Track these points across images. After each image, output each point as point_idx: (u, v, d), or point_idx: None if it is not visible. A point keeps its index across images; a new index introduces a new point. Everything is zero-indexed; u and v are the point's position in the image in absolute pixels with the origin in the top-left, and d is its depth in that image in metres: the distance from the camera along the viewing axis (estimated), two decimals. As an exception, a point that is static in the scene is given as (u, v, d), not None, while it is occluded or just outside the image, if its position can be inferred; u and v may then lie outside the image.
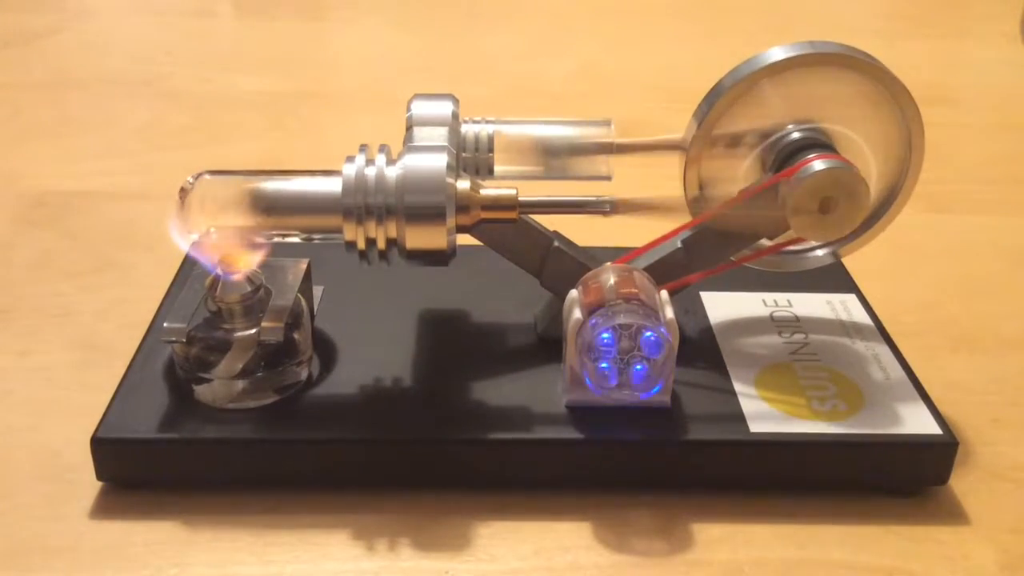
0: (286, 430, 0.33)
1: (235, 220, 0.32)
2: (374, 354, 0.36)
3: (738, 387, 0.35)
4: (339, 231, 0.32)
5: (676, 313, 0.33)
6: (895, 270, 0.47)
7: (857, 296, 0.41)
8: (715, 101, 0.35)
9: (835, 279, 0.41)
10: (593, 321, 0.32)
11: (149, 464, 0.33)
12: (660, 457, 0.33)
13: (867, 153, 0.35)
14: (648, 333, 0.32)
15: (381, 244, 0.32)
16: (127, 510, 0.32)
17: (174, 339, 0.33)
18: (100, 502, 0.33)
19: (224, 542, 0.31)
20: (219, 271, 0.33)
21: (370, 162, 0.32)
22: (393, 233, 0.32)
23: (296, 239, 0.33)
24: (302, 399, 0.34)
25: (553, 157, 0.37)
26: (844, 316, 0.40)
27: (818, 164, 0.33)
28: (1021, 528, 0.33)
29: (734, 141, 0.35)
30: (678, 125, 0.36)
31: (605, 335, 0.32)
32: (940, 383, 0.36)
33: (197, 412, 0.33)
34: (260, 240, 0.33)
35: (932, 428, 0.33)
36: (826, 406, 0.34)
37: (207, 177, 0.32)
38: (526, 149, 0.37)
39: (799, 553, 0.32)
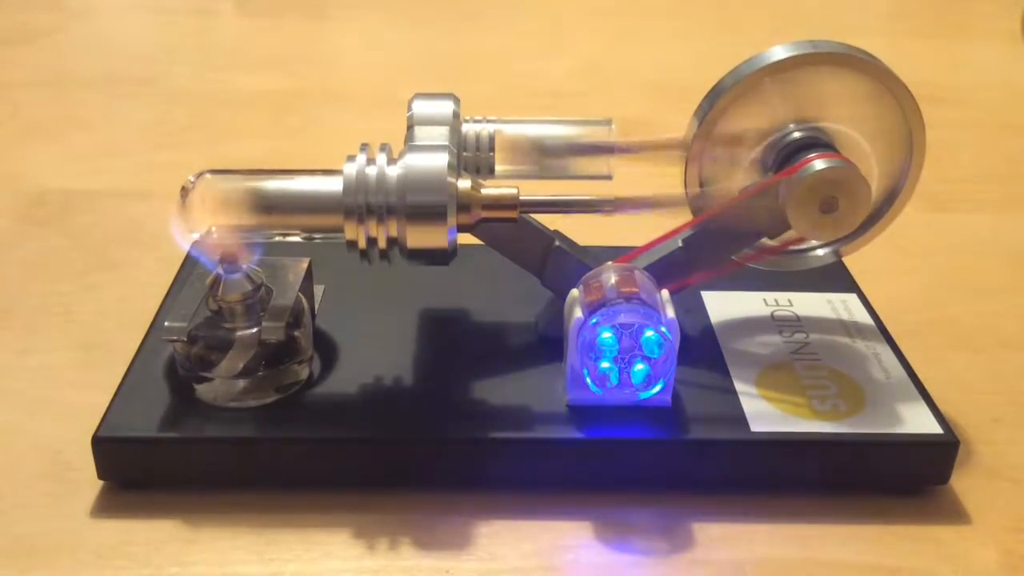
0: (287, 429, 0.33)
1: (236, 219, 0.32)
2: (375, 353, 0.36)
3: (739, 386, 0.35)
4: (340, 230, 0.32)
5: (677, 312, 0.33)
6: (896, 269, 0.47)
7: (858, 295, 0.41)
8: (716, 100, 0.35)
9: (836, 278, 0.41)
10: (594, 320, 0.32)
11: (150, 463, 0.33)
12: (661, 456, 0.33)
13: (868, 152, 0.35)
14: (649, 332, 0.32)
15: (382, 243, 0.32)
16: (128, 509, 0.32)
17: (175, 338, 0.33)
18: (101, 501, 0.33)
19: (225, 541, 0.31)
20: (220, 270, 0.33)
21: (371, 161, 0.32)
22: (394, 232, 0.32)
23: (297, 238, 0.33)
24: (303, 398, 0.34)
25: (553, 156, 0.37)
26: (845, 315, 0.40)
27: (819, 163, 0.33)
28: (1022, 527, 0.33)
29: (735, 140, 0.35)
30: (679, 124, 0.36)
31: (606, 334, 0.32)
32: (941, 382, 0.36)
33: (198, 411, 0.33)
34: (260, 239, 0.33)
35: (933, 427, 0.33)
36: (827, 405, 0.34)
37: (208, 176, 0.32)
38: (527, 148, 0.37)
39: (800, 552, 0.32)
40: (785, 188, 0.34)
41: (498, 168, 0.37)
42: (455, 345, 0.37)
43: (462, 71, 0.73)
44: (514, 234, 0.36)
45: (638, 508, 0.33)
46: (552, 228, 0.37)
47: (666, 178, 0.37)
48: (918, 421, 0.34)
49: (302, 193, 0.32)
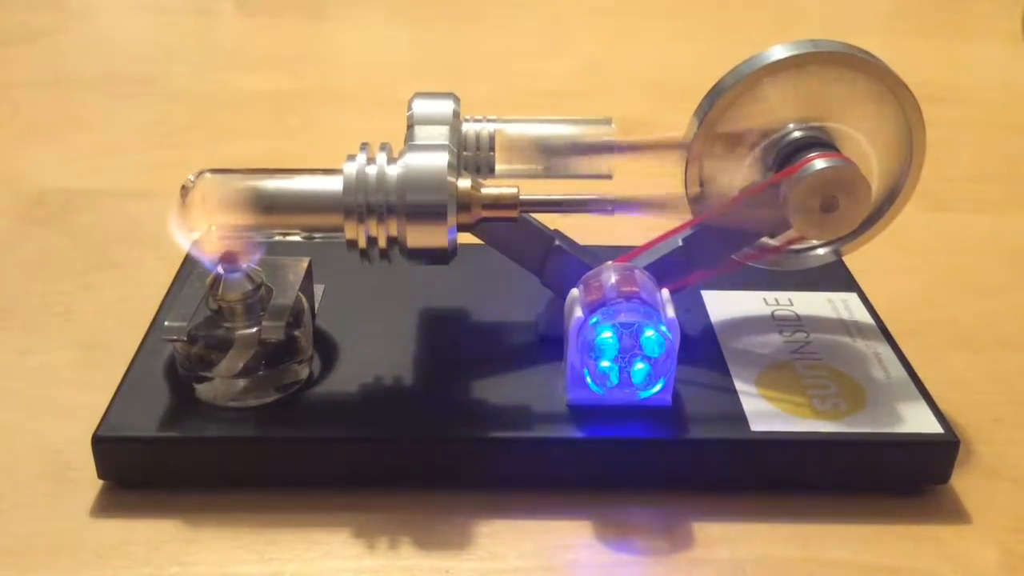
0: (287, 428, 0.33)
1: (236, 218, 0.32)
2: (375, 353, 0.36)
3: (739, 386, 0.35)
4: (340, 230, 0.32)
5: (677, 312, 0.33)
6: (896, 269, 0.47)
7: (858, 295, 0.41)
8: (716, 100, 0.35)
9: (836, 278, 0.41)
10: (594, 320, 0.32)
11: (150, 463, 0.33)
12: (661, 456, 0.33)
13: (868, 151, 0.35)
14: (649, 332, 0.32)
15: (382, 243, 0.32)
16: (128, 509, 0.32)
17: (175, 337, 0.33)
18: (101, 501, 0.33)
19: (225, 540, 0.31)
20: (220, 269, 0.33)
21: (371, 161, 0.32)
22: (394, 232, 0.32)
23: (297, 238, 0.33)
24: (303, 398, 0.34)
25: (554, 156, 0.37)
26: (845, 315, 0.40)
27: (819, 163, 0.33)
28: (1022, 527, 0.33)
29: (735, 140, 0.35)
30: (679, 124, 0.36)
31: (606, 334, 0.32)
32: (941, 382, 0.36)
33: (198, 411, 0.33)
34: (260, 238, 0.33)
35: (933, 427, 0.33)
36: (827, 405, 0.34)
37: (208, 175, 0.32)
38: (527, 148, 0.37)
39: (800, 552, 0.32)
40: (786, 187, 0.34)
41: (498, 167, 0.37)
42: (455, 345, 0.37)
43: (462, 71, 0.73)
44: (514, 234, 0.36)
45: (638, 508, 0.33)
46: (552, 228, 0.37)
47: (666, 178, 0.37)
48: (918, 420, 0.34)
49: (302, 192, 0.32)
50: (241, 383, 0.33)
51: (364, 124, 0.62)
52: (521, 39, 0.81)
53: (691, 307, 0.39)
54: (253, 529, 0.32)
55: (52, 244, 0.48)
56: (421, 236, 0.32)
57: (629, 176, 0.37)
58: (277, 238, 0.33)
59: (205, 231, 0.32)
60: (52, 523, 0.32)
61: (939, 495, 0.34)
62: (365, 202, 0.32)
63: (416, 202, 0.32)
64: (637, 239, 0.36)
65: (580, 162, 0.37)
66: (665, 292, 0.34)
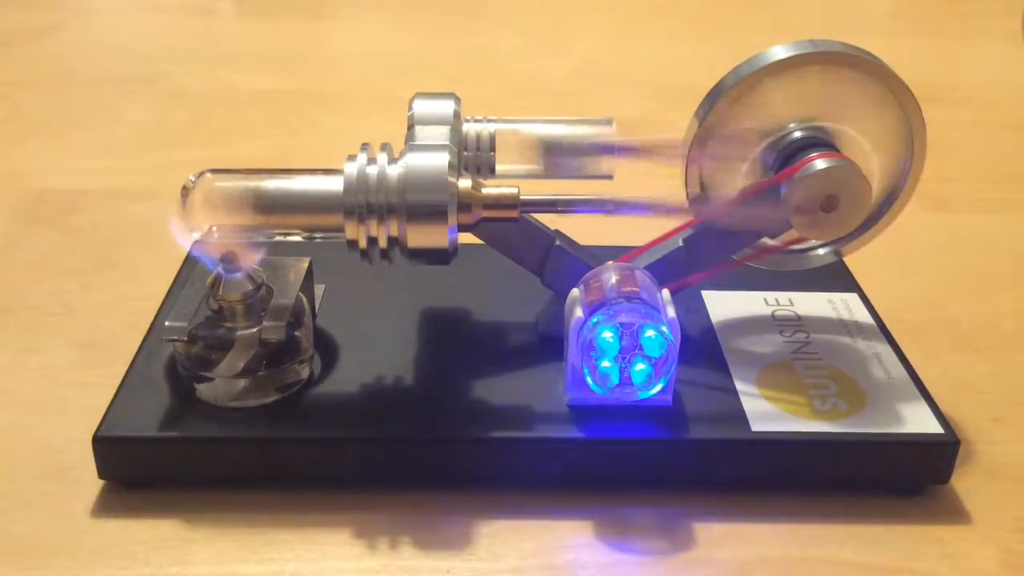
0: (287, 429, 0.33)
1: (237, 219, 0.32)
2: (375, 353, 0.36)
3: (740, 386, 0.35)
4: (341, 230, 0.32)
5: (677, 312, 0.33)
6: (897, 269, 0.47)
7: (859, 295, 0.41)
8: (717, 100, 0.35)
9: (837, 278, 0.41)
10: (595, 320, 0.32)
11: (150, 462, 0.33)
12: (661, 456, 0.33)
13: (869, 152, 0.35)
14: (650, 332, 0.32)
15: (383, 243, 0.32)
16: (128, 508, 0.32)
17: (176, 337, 0.33)
18: (101, 500, 0.33)
19: (225, 540, 0.31)
20: (220, 269, 0.33)
21: (372, 161, 0.32)
22: (395, 232, 0.32)
23: (298, 238, 0.33)
24: (303, 398, 0.34)
25: (554, 156, 0.37)
26: (846, 315, 0.40)
27: (820, 163, 0.33)
28: (1022, 527, 0.33)
29: (736, 140, 0.35)
30: (679, 124, 0.36)
31: (607, 334, 0.32)
32: (942, 382, 0.36)
33: (199, 411, 0.33)
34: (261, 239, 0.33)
35: (934, 427, 0.33)
36: (827, 405, 0.34)
37: (209, 176, 0.32)
38: (527, 148, 0.37)
39: (800, 552, 0.32)
40: (786, 187, 0.34)
41: (499, 167, 0.37)
42: (456, 344, 0.37)
43: (462, 71, 0.73)
44: (514, 234, 0.36)
45: (638, 508, 0.33)
46: (552, 228, 0.37)
47: (667, 178, 0.37)
48: (919, 421, 0.34)
49: (303, 193, 0.32)
50: (241, 383, 0.33)
51: (364, 124, 0.62)
52: (521, 39, 0.81)
53: (691, 307, 0.39)
54: (253, 529, 0.32)
55: (52, 244, 0.48)
56: (421, 236, 0.32)
57: (629, 176, 0.37)
58: (278, 238, 0.33)
59: (206, 231, 0.32)
60: (52, 523, 0.32)
61: (939, 495, 0.34)
62: (365, 202, 0.32)
63: (417, 202, 0.32)
64: (637, 239, 0.36)
65: (580, 162, 0.37)
66: (666, 292, 0.34)
